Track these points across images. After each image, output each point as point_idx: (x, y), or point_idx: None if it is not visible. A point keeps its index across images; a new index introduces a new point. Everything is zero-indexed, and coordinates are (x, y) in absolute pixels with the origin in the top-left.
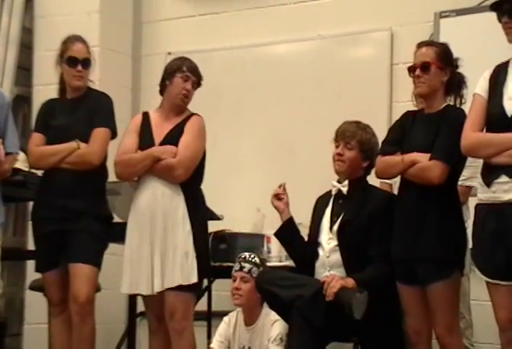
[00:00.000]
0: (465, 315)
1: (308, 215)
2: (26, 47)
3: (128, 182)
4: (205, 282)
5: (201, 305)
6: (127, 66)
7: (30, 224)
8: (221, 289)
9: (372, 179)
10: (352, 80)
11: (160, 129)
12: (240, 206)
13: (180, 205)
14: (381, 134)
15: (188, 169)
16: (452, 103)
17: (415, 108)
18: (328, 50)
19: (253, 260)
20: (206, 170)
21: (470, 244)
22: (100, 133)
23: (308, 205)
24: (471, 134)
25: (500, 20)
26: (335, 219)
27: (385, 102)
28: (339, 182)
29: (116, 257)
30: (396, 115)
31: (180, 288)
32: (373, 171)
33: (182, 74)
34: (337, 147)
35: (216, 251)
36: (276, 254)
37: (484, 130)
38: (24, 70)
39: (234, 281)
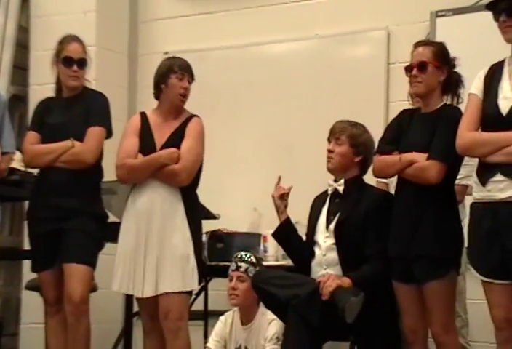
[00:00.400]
0: (460, 314)
1: (305, 214)
2: (22, 47)
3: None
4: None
5: (198, 305)
6: (124, 65)
7: (26, 224)
8: (217, 289)
9: (368, 179)
10: (349, 79)
11: (160, 131)
12: (236, 205)
13: (179, 209)
14: (377, 132)
15: (190, 174)
16: (448, 102)
17: (411, 107)
18: (325, 49)
19: (249, 260)
20: (203, 169)
21: (466, 243)
22: (94, 132)
23: (305, 204)
24: (467, 133)
25: (496, 19)
26: (332, 217)
27: (381, 101)
28: (335, 181)
29: (112, 256)
30: (393, 114)
31: None
32: (370, 171)
33: (176, 74)
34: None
35: (212, 251)
36: (273, 254)
37: (480, 129)
38: (20, 69)
39: (231, 280)
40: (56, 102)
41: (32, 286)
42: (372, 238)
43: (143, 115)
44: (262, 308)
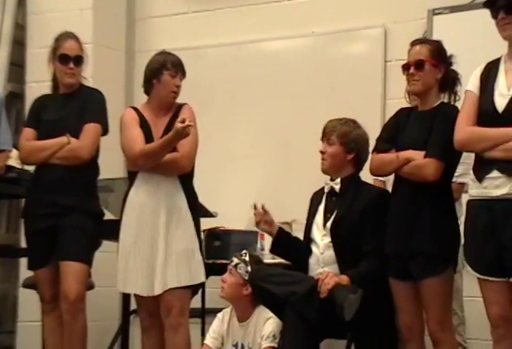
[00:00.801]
0: (457, 312)
1: (301, 211)
2: (19, 44)
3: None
4: None
5: (195, 302)
6: (121, 63)
7: (22, 221)
8: (215, 287)
9: (365, 177)
10: (345, 77)
11: (155, 124)
12: (234, 203)
13: (182, 202)
14: (374, 129)
15: (191, 159)
16: (446, 100)
17: (409, 105)
18: (321, 47)
19: (243, 257)
20: (199, 167)
21: (463, 240)
22: (90, 128)
23: (303, 201)
24: (465, 127)
25: (494, 17)
26: (329, 216)
27: (378, 99)
28: (331, 180)
29: (109, 254)
30: (390, 112)
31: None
32: (367, 168)
33: (169, 71)
34: None
35: (210, 249)
36: None
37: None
38: (17, 66)
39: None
40: (52, 99)
41: (29, 284)
42: (369, 235)
43: (136, 110)
44: (259, 306)
